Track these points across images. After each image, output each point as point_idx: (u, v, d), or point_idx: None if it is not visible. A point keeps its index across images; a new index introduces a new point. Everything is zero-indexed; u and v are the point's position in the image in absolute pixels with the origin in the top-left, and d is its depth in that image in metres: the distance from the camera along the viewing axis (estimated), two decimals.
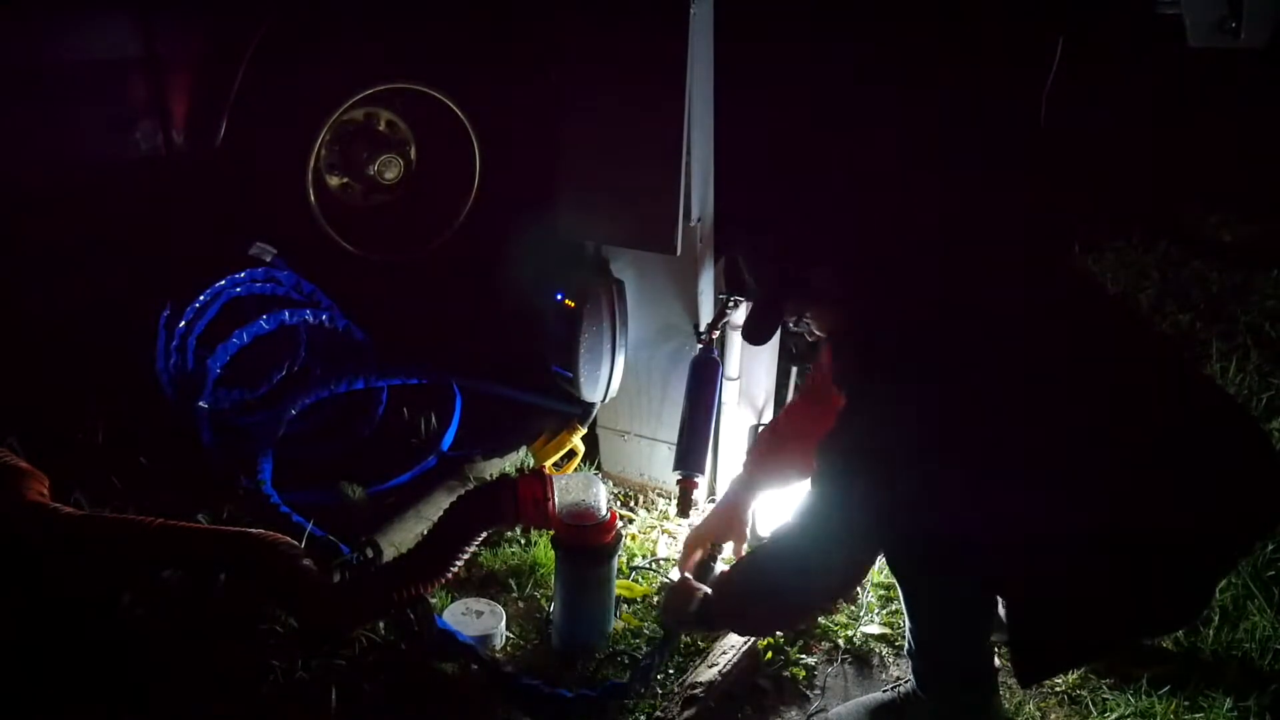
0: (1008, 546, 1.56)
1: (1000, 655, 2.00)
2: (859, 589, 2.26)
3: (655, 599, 2.31)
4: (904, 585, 1.80)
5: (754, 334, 1.95)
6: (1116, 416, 1.58)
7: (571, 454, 2.63)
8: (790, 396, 2.61)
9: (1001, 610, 1.87)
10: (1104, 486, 1.55)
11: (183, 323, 2.80)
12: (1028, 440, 1.56)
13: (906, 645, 1.90)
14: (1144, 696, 2.00)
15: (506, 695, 1.98)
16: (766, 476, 2.23)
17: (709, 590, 1.99)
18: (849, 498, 1.66)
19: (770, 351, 2.54)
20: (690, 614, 1.97)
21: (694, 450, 2.32)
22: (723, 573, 1.95)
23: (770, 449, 2.24)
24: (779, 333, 2.52)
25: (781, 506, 2.30)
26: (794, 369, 2.61)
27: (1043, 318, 1.69)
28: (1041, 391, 1.58)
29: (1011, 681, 2.06)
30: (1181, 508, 1.55)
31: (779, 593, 1.81)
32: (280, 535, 2.02)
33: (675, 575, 2.36)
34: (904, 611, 1.86)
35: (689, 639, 2.15)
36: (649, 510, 2.64)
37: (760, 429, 2.51)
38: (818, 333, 1.93)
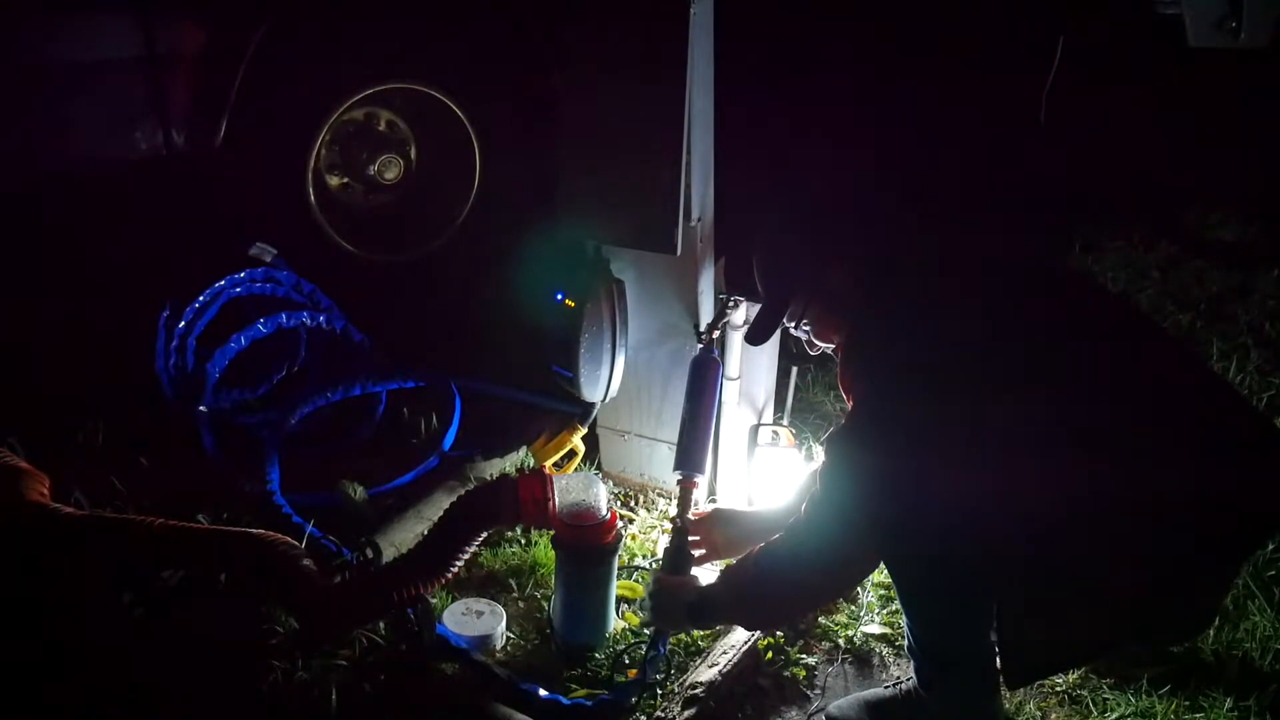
0: (1001, 538, 1.56)
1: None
2: (860, 587, 2.27)
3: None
4: (900, 583, 1.80)
5: (753, 332, 1.98)
6: (1115, 407, 1.59)
7: (571, 454, 2.63)
8: (790, 396, 2.61)
9: None
10: (1098, 475, 1.54)
11: (182, 323, 2.80)
12: (1023, 430, 1.56)
13: (907, 643, 1.90)
14: (1144, 696, 2.00)
15: (505, 700, 1.97)
16: None
17: (700, 585, 1.98)
18: (856, 487, 1.67)
19: (770, 351, 2.53)
20: (686, 614, 1.95)
21: (694, 450, 2.31)
22: (731, 565, 1.95)
23: None
24: (779, 333, 2.54)
25: (777, 492, 2.31)
26: (794, 369, 2.61)
27: (1044, 312, 1.71)
28: (1043, 385, 1.60)
29: None
30: (1181, 495, 1.54)
31: (791, 584, 1.80)
32: (280, 535, 2.02)
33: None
34: (902, 609, 1.86)
35: (688, 638, 2.15)
36: (649, 510, 2.64)
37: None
38: (818, 341, 1.96)
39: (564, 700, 1.96)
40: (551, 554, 2.23)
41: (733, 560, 2.19)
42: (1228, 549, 1.63)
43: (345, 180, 3.38)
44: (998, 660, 1.74)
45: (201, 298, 2.82)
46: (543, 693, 1.96)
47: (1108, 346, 1.68)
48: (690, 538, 2.19)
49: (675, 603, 1.97)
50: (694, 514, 2.23)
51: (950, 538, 1.59)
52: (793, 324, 1.96)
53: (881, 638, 2.21)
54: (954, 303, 1.74)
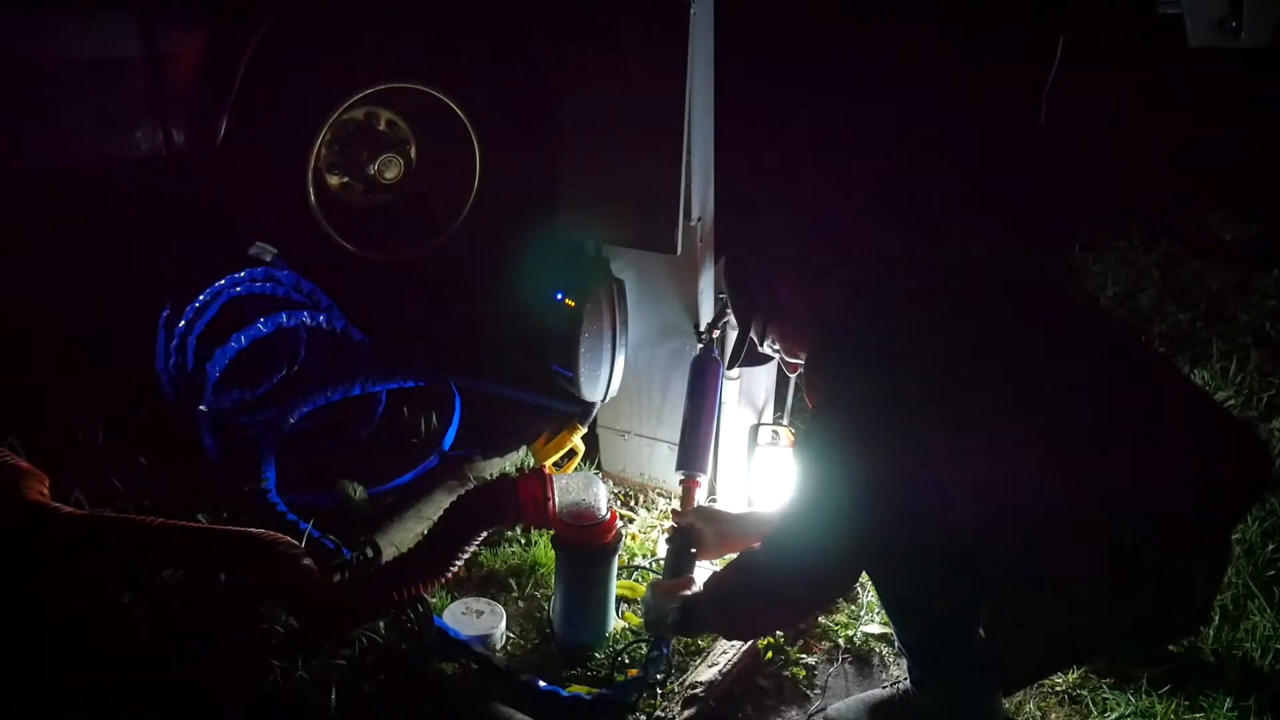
0: (964, 540, 1.56)
1: None
2: (860, 587, 2.27)
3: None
4: (875, 585, 1.81)
5: (731, 358, 2.06)
6: (1082, 401, 1.59)
7: (571, 454, 2.63)
8: (790, 396, 2.61)
9: None
10: (1069, 468, 1.54)
11: (182, 322, 2.80)
12: (992, 425, 1.57)
13: (896, 644, 1.89)
14: (1144, 696, 2.00)
15: (504, 691, 1.98)
16: None
17: (691, 591, 1.97)
18: (818, 496, 1.68)
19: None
20: (671, 622, 1.93)
21: (696, 449, 2.31)
22: (715, 574, 1.95)
23: None
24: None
25: (777, 492, 2.31)
26: None
27: (1002, 313, 1.72)
28: (1003, 385, 1.60)
29: None
30: (1157, 489, 1.54)
31: (771, 595, 1.78)
32: (280, 535, 2.02)
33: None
34: (884, 611, 1.85)
35: (688, 640, 2.15)
36: (649, 510, 2.64)
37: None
38: (789, 359, 1.96)
39: (562, 692, 1.97)
40: (551, 554, 2.23)
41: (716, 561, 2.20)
42: (1212, 537, 1.62)
43: (345, 180, 3.38)
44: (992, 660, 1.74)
45: (201, 297, 2.82)
46: (542, 684, 1.97)
47: (1070, 345, 1.68)
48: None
49: (662, 611, 1.95)
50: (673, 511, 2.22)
51: (910, 538, 1.59)
52: (763, 344, 1.97)
53: (881, 637, 2.20)
54: (904, 310, 1.73)
